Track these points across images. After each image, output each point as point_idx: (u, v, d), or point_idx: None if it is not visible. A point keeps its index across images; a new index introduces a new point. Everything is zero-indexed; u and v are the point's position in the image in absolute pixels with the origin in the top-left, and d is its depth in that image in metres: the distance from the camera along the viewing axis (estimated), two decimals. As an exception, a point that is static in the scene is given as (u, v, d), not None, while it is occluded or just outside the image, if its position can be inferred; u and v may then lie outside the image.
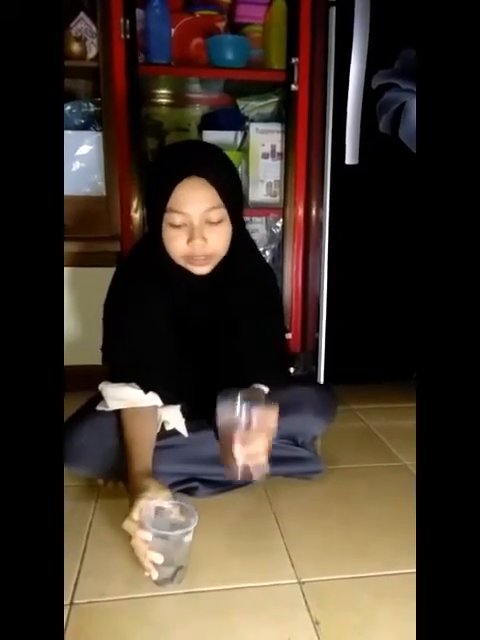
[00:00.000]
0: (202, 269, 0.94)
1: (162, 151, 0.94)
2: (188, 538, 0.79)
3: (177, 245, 0.91)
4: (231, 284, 0.99)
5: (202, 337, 1.00)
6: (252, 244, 1.09)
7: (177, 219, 0.89)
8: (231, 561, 0.86)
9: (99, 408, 1.01)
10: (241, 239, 0.99)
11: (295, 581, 0.82)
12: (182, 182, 0.88)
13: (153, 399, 0.99)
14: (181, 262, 0.94)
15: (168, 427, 1.03)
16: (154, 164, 0.96)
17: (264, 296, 1.05)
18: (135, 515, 0.79)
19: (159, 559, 0.77)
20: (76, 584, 0.81)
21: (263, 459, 0.85)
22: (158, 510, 0.81)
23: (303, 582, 0.82)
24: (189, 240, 0.90)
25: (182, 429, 1.04)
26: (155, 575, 0.79)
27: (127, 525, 0.80)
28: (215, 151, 0.95)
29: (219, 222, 0.91)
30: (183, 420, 1.04)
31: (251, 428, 0.84)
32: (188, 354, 1.01)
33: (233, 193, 0.93)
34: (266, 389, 1.04)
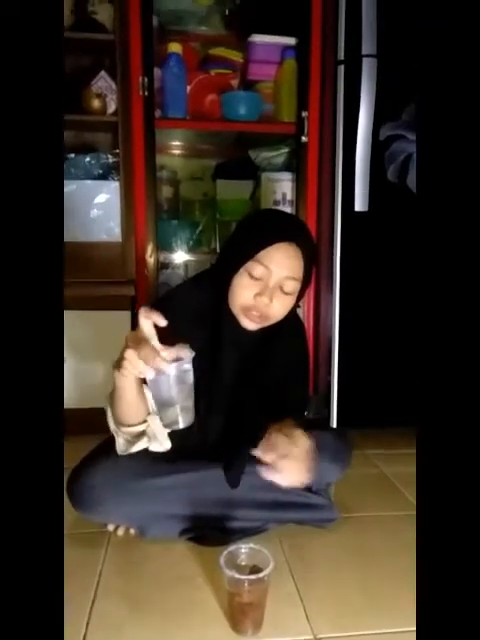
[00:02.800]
0: (252, 325, 0.97)
1: (265, 210, 1.03)
2: (189, 376, 0.77)
3: (244, 294, 0.94)
4: (270, 344, 1.03)
5: (229, 385, 1.01)
6: (298, 318, 1.13)
7: (258, 271, 0.93)
8: (244, 614, 0.83)
9: (119, 451, 0.97)
10: (294, 313, 1.04)
11: (311, 637, 0.79)
12: (280, 243, 0.92)
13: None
14: (236, 310, 0.97)
15: (152, 447, 0.96)
16: (255, 217, 1.03)
17: (296, 355, 1.09)
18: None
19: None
20: (85, 636, 0.78)
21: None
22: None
23: (319, 638, 0.78)
24: (258, 295, 0.93)
25: (164, 440, 0.96)
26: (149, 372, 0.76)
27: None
28: (310, 232, 1.01)
29: (290, 293, 0.95)
30: (165, 431, 0.96)
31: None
32: (209, 398, 1.01)
33: (309, 274, 0.99)
34: None
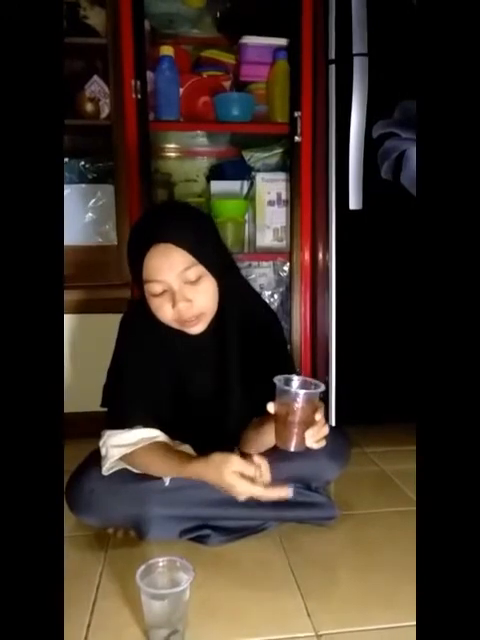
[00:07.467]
0: (196, 329, 0.95)
1: (131, 229, 1.00)
2: (185, 596, 0.74)
3: (164, 312, 0.93)
4: (230, 336, 0.99)
5: (204, 393, 1.01)
6: (247, 288, 1.08)
7: (156, 288, 0.91)
8: (245, 612, 0.83)
9: (104, 473, 0.99)
10: (232, 289, 0.99)
11: (313, 633, 0.79)
12: (149, 252, 0.89)
13: (156, 434, 0.99)
14: (174, 326, 0.95)
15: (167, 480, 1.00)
16: (128, 241, 0.98)
17: (267, 341, 1.04)
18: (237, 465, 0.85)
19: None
20: (86, 638, 0.78)
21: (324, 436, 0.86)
22: (151, 567, 0.77)
23: (321, 634, 0.78)
24: (174, 305, 0.91)
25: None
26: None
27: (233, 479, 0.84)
28: (177, 212, 0.96)
29: (198, 280, 0.91)
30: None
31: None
32: (189, 410, 1.02)
33: (205, 248, 0.92)
34: None
